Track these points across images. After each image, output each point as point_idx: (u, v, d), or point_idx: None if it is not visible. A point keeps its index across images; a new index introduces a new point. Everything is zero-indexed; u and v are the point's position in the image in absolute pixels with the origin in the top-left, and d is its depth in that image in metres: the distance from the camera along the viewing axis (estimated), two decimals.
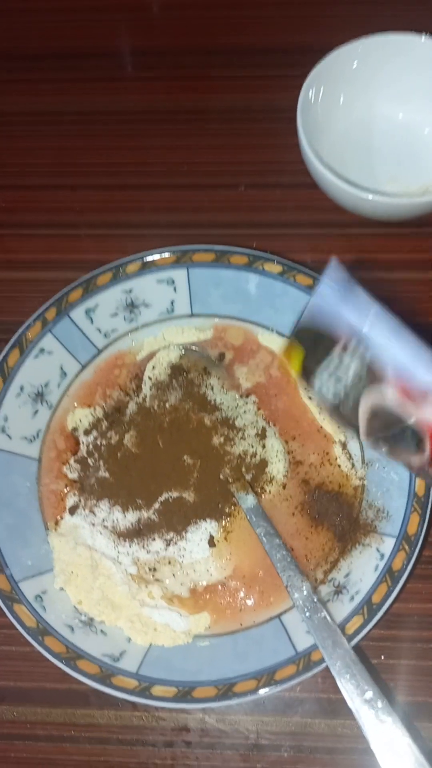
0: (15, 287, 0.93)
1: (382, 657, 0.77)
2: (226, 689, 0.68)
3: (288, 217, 0.94)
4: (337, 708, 0.75)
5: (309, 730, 0.75)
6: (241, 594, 0.76)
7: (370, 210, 0.86)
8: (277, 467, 0.79)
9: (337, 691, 0.74)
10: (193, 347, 0.84)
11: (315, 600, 0.70)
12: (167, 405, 0.80)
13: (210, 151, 0.98)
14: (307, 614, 0.69)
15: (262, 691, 0.68)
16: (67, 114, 1.02)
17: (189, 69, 1.03)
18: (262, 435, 0.79)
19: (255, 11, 1.06)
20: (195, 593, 0.76)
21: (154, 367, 0.83)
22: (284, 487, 0.78)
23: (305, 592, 0.70)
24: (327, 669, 0.68)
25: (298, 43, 1.03)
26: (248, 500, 0.76)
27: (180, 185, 0.97)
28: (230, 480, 0.77)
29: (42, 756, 0.75)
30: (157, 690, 0.69)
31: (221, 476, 0.77)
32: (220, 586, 0.76)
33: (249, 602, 0.75)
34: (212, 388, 0.81)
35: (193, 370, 0.82)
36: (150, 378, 0.82)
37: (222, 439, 0.78)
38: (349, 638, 0.69)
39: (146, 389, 0.82)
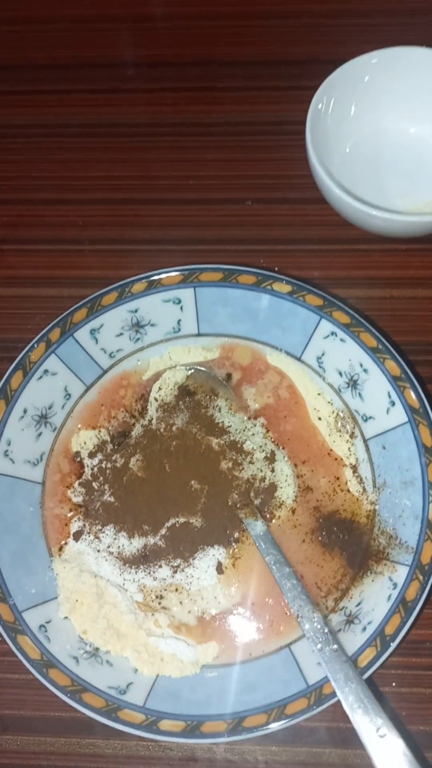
0: (17, 304, 0.91)
1: (393, 684, 0.75)
2: (235, 724, 0.67)
3: (296, 233, 0.93)
4: (348, 737, 0.74)
5: (320, 760, 0.74)
6: (250, 622, 0.74)
7: (379, 226, 0.84)
8: (287, 492, 0.77)
9: (349, 720, 0.73)
10: (201, 368, 0.82)
11: (326, 631, 0.68)
12: (174, 428, 0.78)
13: (216, 165, 0.97)
14: (319, 646, 0.68)
15: (273, 726, 0.67)
16: (71, 126, 1.00)
17: (195, 81, 1.02)
18: (271, 459, 0.78)
19: (262, 22, 1.04)
20: (203, 621, 0.74)
21: (160, 388, 0.81)
22: (293, 512, 0.77)
23: (316, 623, 0.69)
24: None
25: (305, 54, 1.02)
26: (257, 527, 0.75)
27: (186, 200, 0.95)
28: (238, 505, 0.76)
29: None
30: (164, 724, 0.67)
31: (229, 502, 0.76)
32: (228, 615, 0.74)
33: (258, 631, 0.74)
34: (220, 410, 0.80)
35: (200, 392, 0.81)
36: (156, 399, 0.81)
37: (230, 464, 0.77)
38: (362, 671, 0.67)
39: (152, 411, 0.80)
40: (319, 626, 0.68)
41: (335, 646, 0.67)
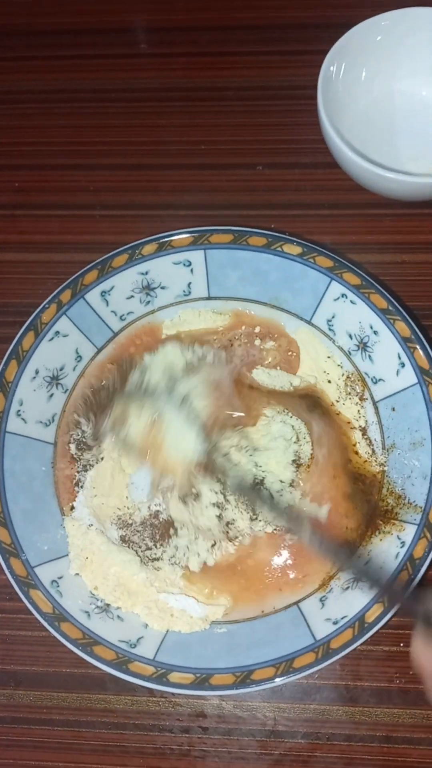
0: (29, 269, 0.92)
1: (401, 645, 0.76)
2: (243, 677, 0.68)
3: (307, 198, 0.92)
4: (356, 695, 0.75)
5: (327, 717, 0.74)
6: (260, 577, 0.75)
7: (392, 190, 0.84)
8: (305, 450, 0.77)
9: (357, 678, 0.75)
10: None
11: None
12: None
13: (227, 130, 0.96)
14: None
15: (280, 680, 0.68)
16: (82, 92, 1.00)
17: (206, 46, 1.01)
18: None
19: None
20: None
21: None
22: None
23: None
24: (346, 656, 0.68)
25: (317, 18, 1.01)
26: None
27: (197, 165, 0.95)
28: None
29: (58, 740, 0.75)
30: (174, 677, 0.68)
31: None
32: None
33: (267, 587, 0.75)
34: None
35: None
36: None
37: None
38: (370, 626, 0.68)
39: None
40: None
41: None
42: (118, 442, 0.74)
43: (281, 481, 0.74)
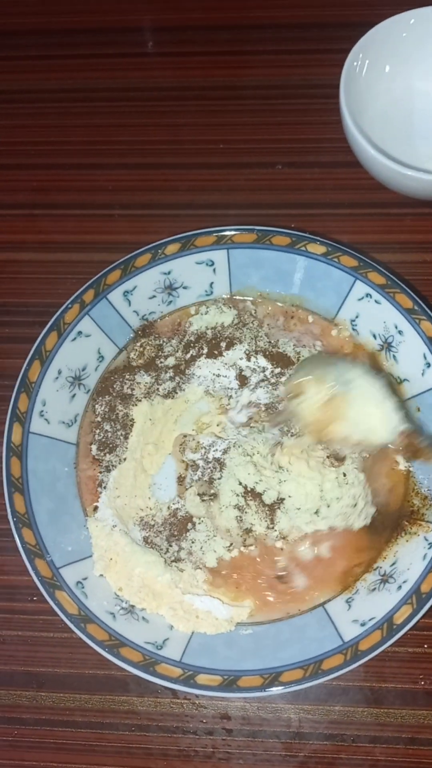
0: (48, 269, 0.91)
1: (425, 646, 0.76)
2: (272, 678, 0.67)
3: (327, 197, 0.92)
4: (381, 697, 0.74)
5: (352, 718, 0.74)
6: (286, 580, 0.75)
7: (414, 189, 0.83)
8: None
9: (381, 679, 0.74)
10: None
11: None
12: None
13: (246, 129, 0.96)
14: None
15: (309, 681, 0.67)
16: (100, 91, 1.00)
17: (224, 45, 1.01)
18: None
19: None
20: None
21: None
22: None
23: None
24: (370, 658, 0.68)
25: (335, 17, 1.01)
26: None
27: (216, 164, 0.95)
28: None
29: (82, 743, 0.75)
30: (201, 679, 0.68)
31: None
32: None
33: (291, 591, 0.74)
34: None
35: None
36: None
37: None
38: (399, 627, 0.68)
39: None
40: None
41: None
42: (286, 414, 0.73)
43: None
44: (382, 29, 0.86)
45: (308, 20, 1.01)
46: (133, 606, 0.73)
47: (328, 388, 0.70)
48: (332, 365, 0.72)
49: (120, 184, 0.95)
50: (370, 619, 0.69)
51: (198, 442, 0.78)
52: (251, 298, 0.83)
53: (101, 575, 0.74)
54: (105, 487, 0.77)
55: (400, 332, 0.77)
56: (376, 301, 0.78)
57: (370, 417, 0.70)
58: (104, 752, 0.74)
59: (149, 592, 0.73)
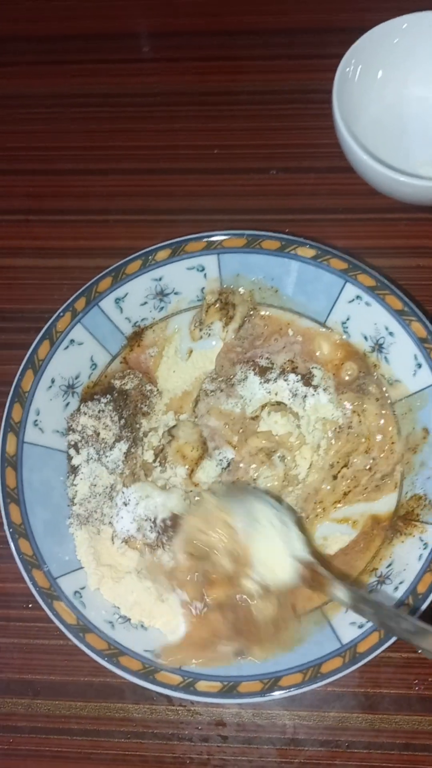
0: (44, 275, 0.91)
1: (420, 651, 0.74)
2: (271, 683, 0.67)
3: (321, 203, 0.92)
4: (376, 702, 0.74)
5: (347, 724, 0.74)
6: None
7: (407, 194, 0.83)
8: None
9: (376, 685, 0.74)
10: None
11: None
12: None
13: (241, 135, 0.96)
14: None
15: (309, 685, 0.67)
16: (94, 96, 0.99)
17: (219, 50, 1.01)
18: None
19: None
20: None
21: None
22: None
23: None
24: (365, 663, 0.68)
25: (329, 23, 1.00)
26: None
27: (211, 170, 0.95)
28: None
29: (77, 750, 0.75)
30: (201, 685, 0.68)
31: None
32: None
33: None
34: None
35: None
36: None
37: None
38: None
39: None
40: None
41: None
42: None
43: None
44: (374, 35, 0.85)
45: (302, 26, 1.01)
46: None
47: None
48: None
49: (115, 190, 0.95)
50: (367, 621, 0.68)
51: None
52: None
53: (97, 588, 0.73)
54: None
55: (390, 333, 0.77)
56: (366, 303, 0.78)
57: (274, 553, 0.69)
58: (100, 760, 0.75)
59: (143, 609, 0.73)
